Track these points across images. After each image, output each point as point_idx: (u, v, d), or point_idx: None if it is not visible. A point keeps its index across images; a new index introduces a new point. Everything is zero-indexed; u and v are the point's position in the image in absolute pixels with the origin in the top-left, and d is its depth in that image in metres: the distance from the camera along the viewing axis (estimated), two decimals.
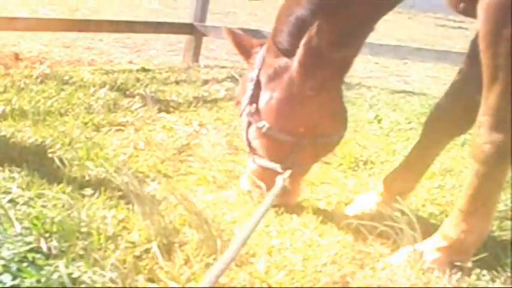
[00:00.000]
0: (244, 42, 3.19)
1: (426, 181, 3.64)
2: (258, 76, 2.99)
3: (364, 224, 2.78)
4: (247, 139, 3.06)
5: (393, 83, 7.80)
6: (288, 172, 2.91)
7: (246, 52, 3.17)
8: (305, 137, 2.91)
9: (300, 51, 2.85)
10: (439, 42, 11.80)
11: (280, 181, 2.85)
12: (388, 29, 12.97)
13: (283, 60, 2.93)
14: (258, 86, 2.99)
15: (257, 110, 2.96)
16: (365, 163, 4.00)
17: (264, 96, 2.96)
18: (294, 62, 2.88)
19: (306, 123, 2.91)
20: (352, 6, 2.77)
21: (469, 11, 2.59)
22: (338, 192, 3.41)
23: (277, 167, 2.96)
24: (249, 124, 3.02)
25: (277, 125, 2.91)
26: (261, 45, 3.12)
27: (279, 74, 2.93)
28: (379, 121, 5.20)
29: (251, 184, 3.11)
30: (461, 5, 2.65)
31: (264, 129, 2.93)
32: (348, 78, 7.32)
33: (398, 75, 8.54)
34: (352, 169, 3.88)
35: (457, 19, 15.23)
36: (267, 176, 3.00)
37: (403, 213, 2.75)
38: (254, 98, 2.98)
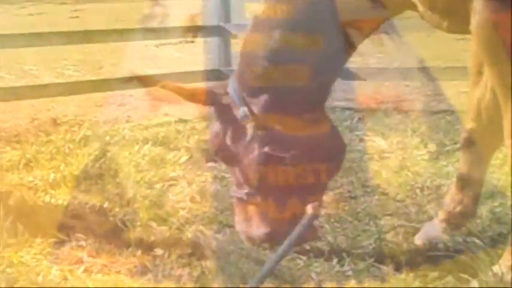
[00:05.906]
0: (191, 91, 3.12)
1: (487, 201, 3.60)
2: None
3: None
4: (248, 172, 2.92)
5: (428, 104, 7.72)
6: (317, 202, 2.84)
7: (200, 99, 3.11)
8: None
9: None
10: (462, 56, 11.69)
11: (310, 209, 2.73)
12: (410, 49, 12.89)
13: None
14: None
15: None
16: (421, 190, 3.95)
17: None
18: None
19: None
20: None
21: (453, 28, 2.60)
22: (402, 224, 3.37)
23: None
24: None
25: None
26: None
27: None
28: (425, 145, 5.14)
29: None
30: (446, 24, 2.65)
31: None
32: (384, 104, 7.34)
33: (430, 95, 8.45)
34: (410, 197, 3.83)
35: None
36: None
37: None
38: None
